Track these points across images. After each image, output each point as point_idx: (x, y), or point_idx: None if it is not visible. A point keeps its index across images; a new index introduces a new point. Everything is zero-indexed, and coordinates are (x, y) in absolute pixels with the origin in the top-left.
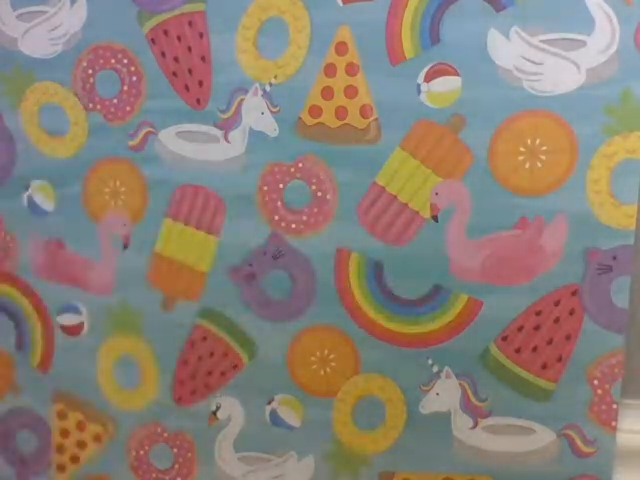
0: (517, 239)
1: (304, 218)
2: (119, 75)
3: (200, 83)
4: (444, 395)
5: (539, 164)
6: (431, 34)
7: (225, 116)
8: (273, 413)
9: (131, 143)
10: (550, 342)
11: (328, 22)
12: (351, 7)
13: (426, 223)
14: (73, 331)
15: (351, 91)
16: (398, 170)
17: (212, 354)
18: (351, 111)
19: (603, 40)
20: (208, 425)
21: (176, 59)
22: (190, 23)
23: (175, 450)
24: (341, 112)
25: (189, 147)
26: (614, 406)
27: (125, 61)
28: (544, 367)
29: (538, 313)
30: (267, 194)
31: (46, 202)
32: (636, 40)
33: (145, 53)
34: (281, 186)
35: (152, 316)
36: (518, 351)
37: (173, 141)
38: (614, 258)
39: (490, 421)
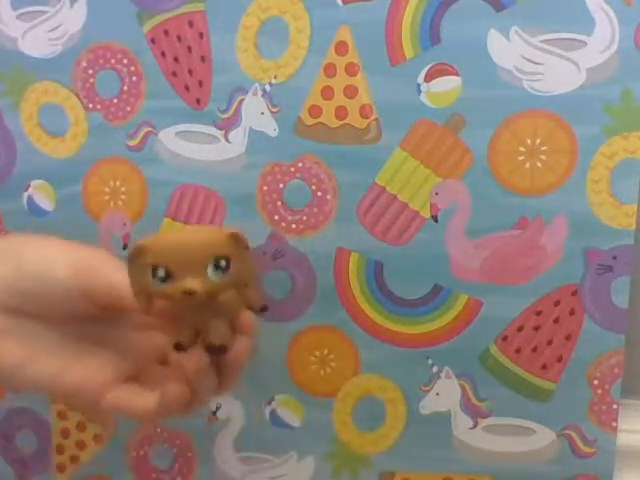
0: (517, 239)
1: (304, 218)
2: (119, 75)
3: (200, 83)
4: (444, 395)
5: (539, 164)
6: (431, 34)
7: (225, 116)
8: (273, 413)
9: (131, 143)
10: (550, 342)
11: (328, 22)
12: (351, 7)
13: (426, 223)
14: None
15: (351, 91)
16: (398, 170)
17: None
18: (351, 111)
19: (603, 40)
20: (208, 425)
21: (176, 59)
22: (190, 23)
23: (175, 450)
24: (341, 112)
25: (189, 147)
26: (614, 406)
27: (125, 61)
28: (544, 367)
29: (538, 313)
30: (267, 194)
31: (46, 202)
32: (636, 40)
33: (145, 53)
34: (281, 186)
35: None
36: (518, 351)
37: (173, 141)
38: (614, 258)
39: (490, 421)
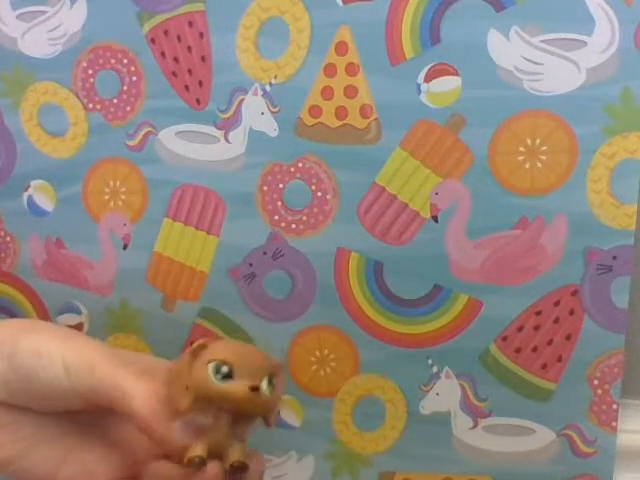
0: (517, 239)
1: (304, 218)
2: (119, 75)
3: (200, 83)
4: (444, 395)
5: (539, 164)
6: (431, 34)
7: (225, 116)
8: None
9: (131, 143)
10: (550, 342)
11: (328, 22)
12: (351, 7)
13: (426, 223)
14: None
15: (351, 91)
16: (398, 170)
17: None
18: (351, 111)
19: (603, 40)
20: None
21: (176, 59)
22: (190, 23)
23: None
24: (341, 112)
25: (189, 147)
26: (614, 406)
27: (125, 61)
28: (544, 367)
29: (538, 313)
30: (267, 194)
31: (46, 202)
32: (636, 40)
33: (145, 53)
34: (281, 186)
35: (152, 316)
36: (518, 351)
37: (173, 141)
38: (614, 258)
39: (490, 421)
